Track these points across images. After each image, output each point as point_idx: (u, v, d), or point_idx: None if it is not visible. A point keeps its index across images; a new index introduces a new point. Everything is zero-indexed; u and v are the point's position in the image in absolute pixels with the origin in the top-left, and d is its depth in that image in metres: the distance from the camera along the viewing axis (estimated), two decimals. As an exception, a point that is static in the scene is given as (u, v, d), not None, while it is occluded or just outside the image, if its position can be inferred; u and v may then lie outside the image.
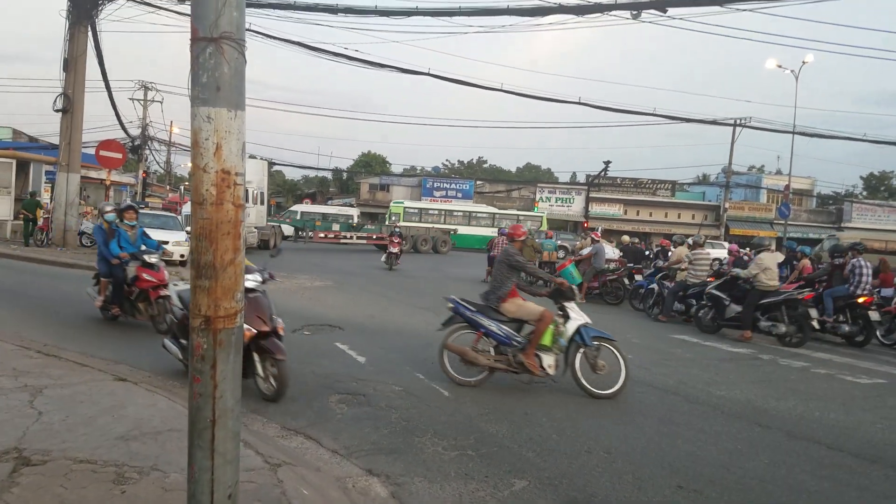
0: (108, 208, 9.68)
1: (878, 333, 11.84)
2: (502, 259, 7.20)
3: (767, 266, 11.27)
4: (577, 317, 6.95)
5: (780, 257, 12.26)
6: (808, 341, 10.98)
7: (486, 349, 6.94)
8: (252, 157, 29.61)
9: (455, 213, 42.95)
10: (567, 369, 6.84)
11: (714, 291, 11.88)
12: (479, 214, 43.21)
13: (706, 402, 6.81)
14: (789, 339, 10.94)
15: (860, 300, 11.40)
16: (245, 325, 5.34)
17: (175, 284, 7.26)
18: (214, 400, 2.46)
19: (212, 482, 2.50)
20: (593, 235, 18.17)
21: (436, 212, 42.90)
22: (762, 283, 11.23)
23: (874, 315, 11.38)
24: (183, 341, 6.41)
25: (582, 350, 6.85)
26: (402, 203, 44.05)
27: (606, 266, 16.20)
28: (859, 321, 11.47)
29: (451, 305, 7.11)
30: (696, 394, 7.11)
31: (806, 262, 13.82)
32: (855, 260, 11.72)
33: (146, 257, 9.00)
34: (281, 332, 6.12)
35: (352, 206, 46.79)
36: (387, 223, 39.95)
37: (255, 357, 5.92)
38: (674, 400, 6.85)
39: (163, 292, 8.58)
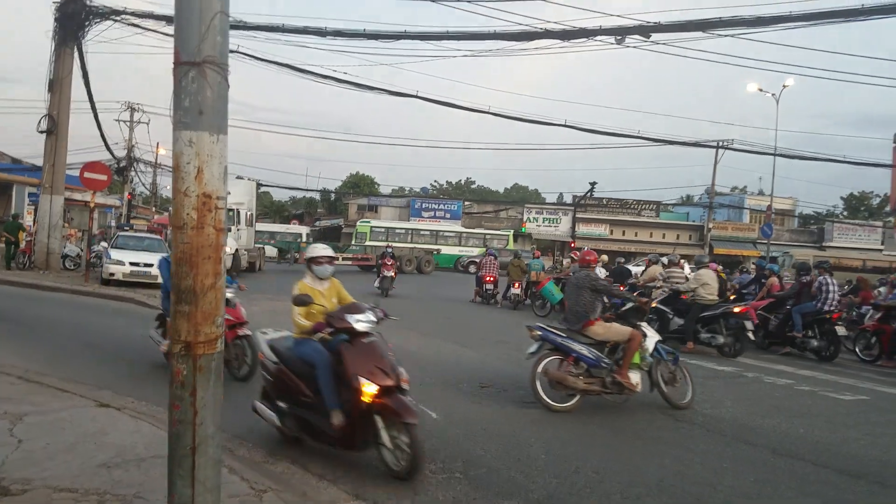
0: None
1: (856, 349, 12.36)
2: (585, 284, 7.36)
3: (706, 282, 11.88)
4: (652, 334, 7.34)
5: (713, 274, 12.48)
6: (746, 351, 11.58)
7: (579, 373, 6.98)
8: (239, 177, 29.41)
9: (422, 233, 42.84)
10: (652, 386, 7.24)
11: (658, 306, 12.35)
12: (446, 233, 43.24)
13: (692, 420, 6.83)
14: (728, 350, 11.47)
15: (828, 316, 11.81)
16: (363, 380, 4.54)
17: (264, 333, 5.96)
18: (195, 427, 2.43)
19: None
20: (573, 255, 18.52)
21: (402, 231, 42.78)
22: (702, 298, 11.82)
23: (841, 330, 11.88)
24: (281, 404, 5.21)
25: (660, 364, 7.28)
26: (368, 222, 44.06)
27: None
28: (827, 336, 11.81)
29: (538, 333, 7.17)
30: (682, 412, 7.12)
31: (774, 279, 14.19)
32: (821, 277, 12.11)
33: None
34: (405, 386, 4.82)
35: (327, 219, 46.75)
36: (353, 243, 39.88)
37: (379, 421, 4.61)
38: (661, 418, 6.85)
39: (240, 332, 7.62)
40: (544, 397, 6.91)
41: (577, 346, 7.00)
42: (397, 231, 42.51)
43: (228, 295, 7.23)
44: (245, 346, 7.58)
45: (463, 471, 4.93)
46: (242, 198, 25.86)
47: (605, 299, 7.70)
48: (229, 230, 24.29)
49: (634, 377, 6.95)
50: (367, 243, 38.32)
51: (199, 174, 2.40)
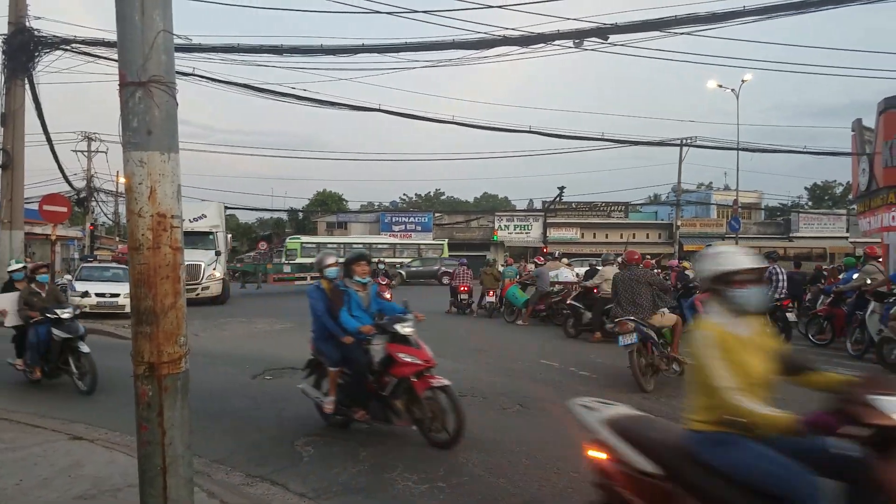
0: (330, 260, 6.67)
1: (809, 334, 13.00)
2: (643, 279, 8.91)
3: (608, 277, 12.47)
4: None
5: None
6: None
7: (656, 355, 8.38)
8: (206, 200, 29.57)
9: (354, 246, 42.20)
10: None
11: (572, 302, 14.04)
12: (379, 245, 43.10)
13: (668, 415, 6.88)
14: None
15: (778, 303, 12.22)
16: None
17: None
18: (164, 447, 2.40)
19: None
20: (536, 260, 19.29)
21: (334, 245, 42.24)
22: (605, 292, 12.65)
23: (791, 316, 12.80)
24: None
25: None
26: (298, 238, 43.85)
27: (551, 289, 16.54)
28: (779, 323, 12.14)
29: (632, 326, 8.37)
30: (660, 408, 7.19)
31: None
32: (771, 267, 12.39)
33: (398, 327, 5.97)
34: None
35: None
36: (284, 260, 39.35)
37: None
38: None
39: (434, 382, 5.70)
40: (643, 382, 8.13)
41: (653, 335, 8.39)
42: (329, 246, 41.78)
43: (408, 330, 5.98)
44: (443, 400, 5.66)
45: (445, 479, 4.93)
46: (217, 220, 25.71)
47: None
48: (217, 254, 23.99)
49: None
50: (298, 260, 37.67)
51: (153, 194, 2.38)
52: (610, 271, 12.67)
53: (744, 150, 30.93)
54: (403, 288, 35.69)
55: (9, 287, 9.34)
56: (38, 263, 9.37)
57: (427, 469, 5.15)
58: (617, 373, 9.50)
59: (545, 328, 15.49)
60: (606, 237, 52.06)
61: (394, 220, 53.33)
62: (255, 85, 19.07)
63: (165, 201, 2.42)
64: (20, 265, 9.16)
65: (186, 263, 15.89)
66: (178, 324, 2.44)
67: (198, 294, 22.05)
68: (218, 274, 23.55)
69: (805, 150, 28.06)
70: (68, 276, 21.55)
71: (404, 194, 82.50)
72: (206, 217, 24.98)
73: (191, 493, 2.52)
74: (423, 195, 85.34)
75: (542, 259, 19.34)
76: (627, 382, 8.66)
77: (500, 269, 20.97)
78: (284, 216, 68.27)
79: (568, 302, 14.40)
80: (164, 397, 2.39)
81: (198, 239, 23.78)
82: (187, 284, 18.48)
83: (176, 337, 2.43)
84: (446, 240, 46.99)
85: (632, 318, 8.51)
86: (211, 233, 24.63)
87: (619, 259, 12.07)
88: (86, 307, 16.52)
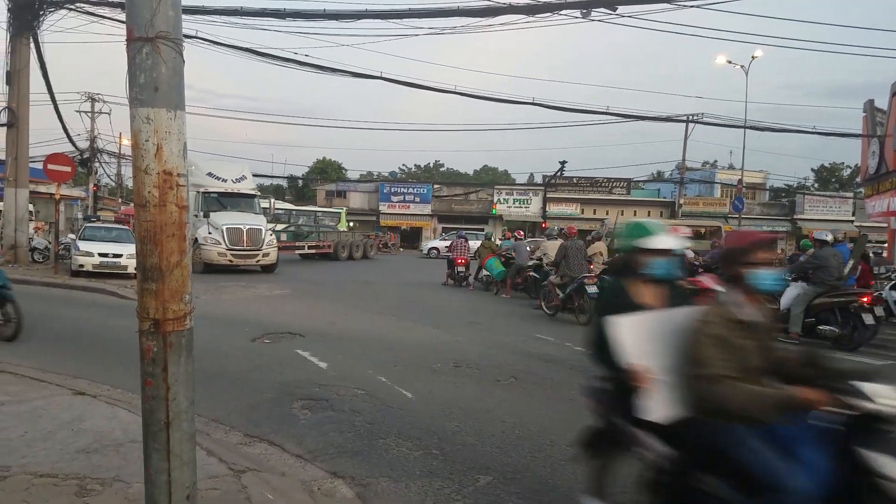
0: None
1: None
2: (581, 248, 13.11)
3: (547, 252, 14.78)
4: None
5: (556, 244, 14.32)
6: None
7: None
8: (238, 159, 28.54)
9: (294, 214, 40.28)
10: None
11: (531, 273, 16.00)
12: (274, 211, 41.97)
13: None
14: (572, 307, 12.89)
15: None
16: None
17: None
18: (168, 402, 2.47)
19: (169, 484, 2.51)
20: (517, 234, 20.37)
21: (281, 212, 41.17)
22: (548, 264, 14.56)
23: None
24: None
25: None
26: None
27: (528, 263, 17.08)
28: None
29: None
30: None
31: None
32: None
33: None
34: None
35: None
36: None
37: None
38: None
39: None
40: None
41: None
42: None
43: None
44: None
45: (439, 447, 5.04)
46: (253, 183, 24.24)
47: None
48: (271, 222, 22.89)
49: None
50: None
51: (159, 151, 2.41)
52: (551, 246, 14.81)
53: (751, 128, 30.76)
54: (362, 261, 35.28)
55: None
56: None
57: (421, 436, 5.27)
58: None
59: (520, 300, 16.14)
60: (607, 213, 51.97)
61: (393, 190, 53.20)
62: (258, 49, 18.94)
63: (172, 159, 2.44)
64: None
65: (247, 227, 18.82)
66: (183, 281, 2.49)
67: (258, 261, 20.97)
68: (275, 240, 22.29)
69: (814, 130, 27.93)
70: (72, 236, 21.63)
71: (403, 164, 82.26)
72: (246, 178, 23.18)
73: (193, 448, 2.60)
74: (422, 166, 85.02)
75: (521, 234, 20.55)
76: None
77: (499, 242, 21.06)
78: (284, 183, 68.18)
79: (527, 273, 16.38)
80: (168, 354, 2.45)
81: (242, 202, 22.24)
82: (247, 250, 21.36)
83: (181, 294, 2.49)
84: (345, 208, 46.41)
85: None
86: (255, 195, 23.08)
87: (563, 232, 14.66)
88: (88, 266, 16.69)
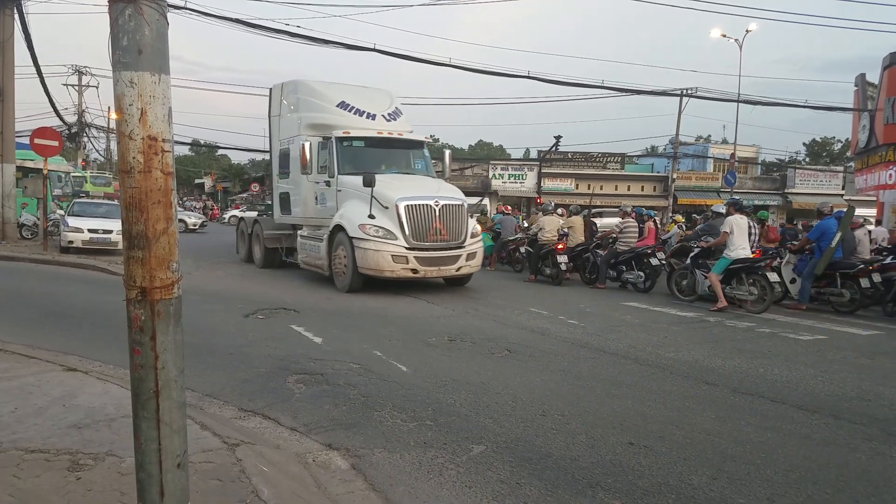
0: None
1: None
2: None
3: (543, 227, 14.78)
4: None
5: (558, 220, 15.43)
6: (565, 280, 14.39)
7: None
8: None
9: None
10: None
11: (527, 248, 16.01)
12: None
13: (655, 363, 7.03)
14: (557, 278, 14.28)
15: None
16: None
17: None
18: (157, 371, 2.44)
19: (159, 451, 2.49)
20: (505, 209, 21.27)
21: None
22: (542, 238, 14.78)
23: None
24: None
25: None
26: None
27: (511, 237, 18.04)
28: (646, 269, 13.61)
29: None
30: (645, 356, 7.33)
31: (650, 223, 15.17)
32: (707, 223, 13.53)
33: None
34: None
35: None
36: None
37: None
38: (624, 363, 7.04)
39: None
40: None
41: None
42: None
43: None
44: None
45: (433, 418, 5.04)
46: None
47: None
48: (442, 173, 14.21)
49: None
50: None
51: (143, 116, 2.35)
52: (548, 221, 14.94)
53: (744, 101, 30.69)
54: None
55: None
56: None
57: (415, 408, 5.27)
58: (604, 323, 9.64)
59: (506, 272, 16.97)
60: (601, 189, 51.91)
61: (387, 164, 52.65)
62: (247, 20, 18.66)
63: (157, 124, 2.39)
64: None
65: (442, 204, 11.69)
66: (170, 250, 2.45)
67: (459, 269, 12.05)
68: (478, 227, 13.23)
69: (806, 104, 27.86)
70: (61, 212, 21.43)
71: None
72: (401, 114, 14.41)
73: (184, 417, 2.58)
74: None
75: (508, 209, 21.37)
76: (614, 330, 8.80)
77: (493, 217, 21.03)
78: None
79: (525, 249, 16.38)
80: (156, 322, 2.42)
81: (402, 156, 13.70)
82: (445, 250, 12.00)
83: (168, 262, 2.44)
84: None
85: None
86: (423, 141, 14.07)
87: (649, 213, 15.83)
88: (78, 242, 16.56)
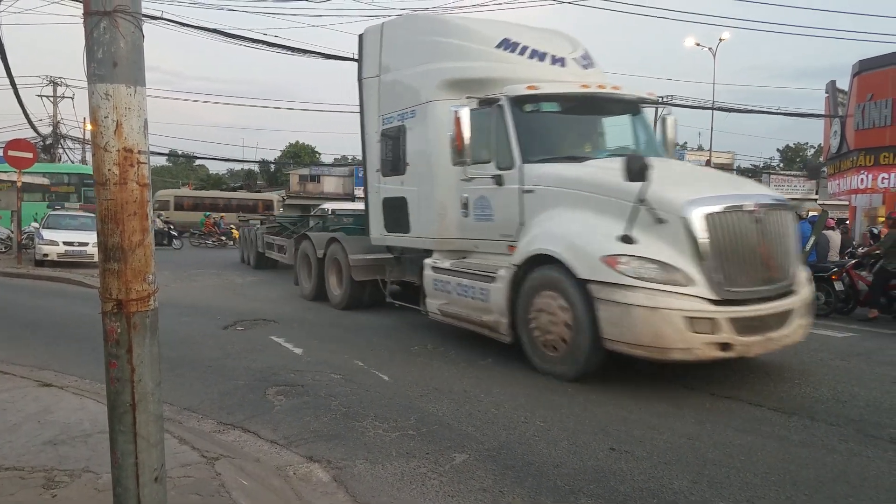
0: None
1: None
2: None
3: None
4: None
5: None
6: None
7: None
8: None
9: None
10: None
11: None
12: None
13: (636, 369, 7.05)
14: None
15: None
16: None
17: None
18: (133, 384, 2.42)
19: (136, 466, 2.46)
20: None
21: None
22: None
23: None
24: None
25: None
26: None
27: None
28: None
29: None
30: (625, 361, 7.35)
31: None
32: None
33: None
34: None
35: None
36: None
37: None
38: (604, 370, 7.05)
39: None
40: None
41: None
42: None
43: None
44: None
45: (416, 427, 5.03)
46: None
47: None
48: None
49: None
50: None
51: (119, 128, 2.34)
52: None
53: (719, 109, 31.14)
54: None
55: None
56: None
57: (397, 418, 5.25)
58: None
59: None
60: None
61: (369, 174, 52.33)
62: (225, 30, 18.60)
63: (132, 136, 2.38)
64: None
65: (765, 211, 6.16)
66: (146, 261, 2.43)
67: (792, 332, 6.60)
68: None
69: (778, 111, 28.37)
70: (35, 224, 21.11)
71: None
72: (591, 60, 9.29)
73: (161, 430, 2.55)
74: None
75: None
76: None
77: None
78: (256, 167, 67.30)
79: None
80: (132, 335, 2.40)
81: (616, 129, 8.60)
82: (778, 299, 6.08)
83: (144, 274, 2.43)
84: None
85: None
86: (644, 101, 8.72)
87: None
88: (53, 255, 16.34)
